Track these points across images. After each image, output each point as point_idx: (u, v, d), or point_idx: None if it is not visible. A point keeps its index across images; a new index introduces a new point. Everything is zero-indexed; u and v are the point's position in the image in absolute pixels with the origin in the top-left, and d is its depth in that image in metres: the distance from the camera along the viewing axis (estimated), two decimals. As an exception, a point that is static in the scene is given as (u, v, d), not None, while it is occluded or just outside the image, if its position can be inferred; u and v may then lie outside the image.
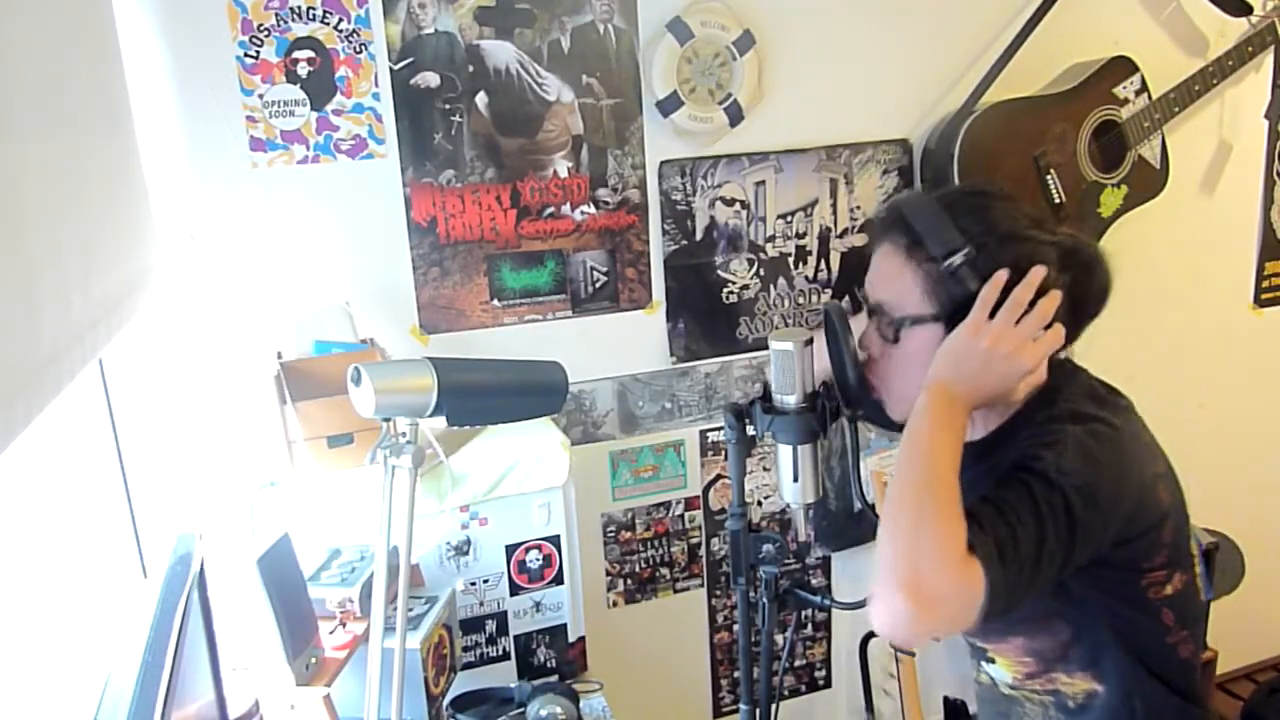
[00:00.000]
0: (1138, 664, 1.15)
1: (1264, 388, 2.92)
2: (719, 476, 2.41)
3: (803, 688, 2.64)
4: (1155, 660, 1.16)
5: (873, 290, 1.21)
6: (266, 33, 1.84)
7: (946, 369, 1.11)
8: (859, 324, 1.24)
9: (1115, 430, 1.12)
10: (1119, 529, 1.09)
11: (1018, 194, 1.23)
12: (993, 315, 1.09)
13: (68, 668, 1.29)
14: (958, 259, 1.10)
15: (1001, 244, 1.11)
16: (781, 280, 2.35)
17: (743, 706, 1.34)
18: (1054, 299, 1.10)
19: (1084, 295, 1.16)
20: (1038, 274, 1.09)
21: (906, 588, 0.95)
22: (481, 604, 1.91)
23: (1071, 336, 1.18)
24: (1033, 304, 1.09)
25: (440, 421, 1.36)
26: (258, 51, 1.85)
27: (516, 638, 1.95)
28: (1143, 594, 1.14)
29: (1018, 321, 1.09)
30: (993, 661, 1.27)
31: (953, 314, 1.12)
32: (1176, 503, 1.17)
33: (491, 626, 1.93)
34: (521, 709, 1.79)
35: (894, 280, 1.17)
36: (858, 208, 2.37)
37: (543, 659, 1.97)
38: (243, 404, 1.86)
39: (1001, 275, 1.09)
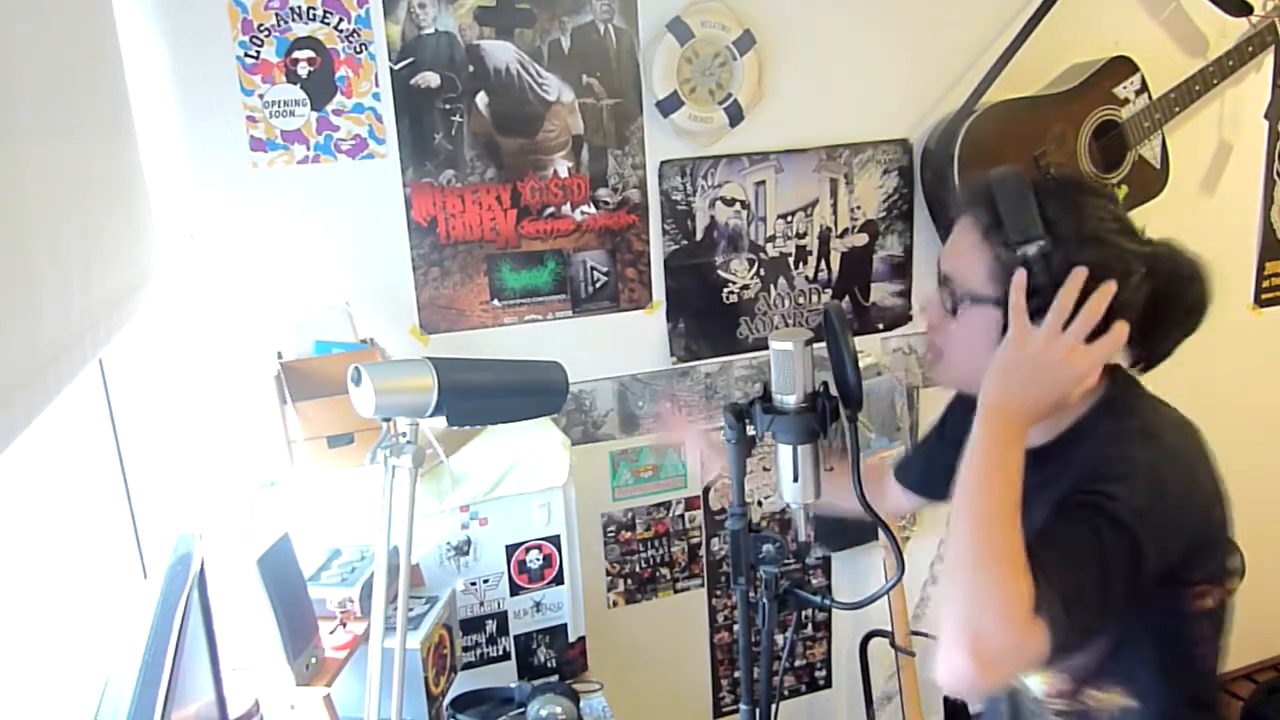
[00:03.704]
0: (1168, 675, 1.14)
1: (1264, 388, 2.93)
2: (719, 476, 2.41)
3: (803, 688, 2.64)
4: (1181, 670, 1.14)
5: (945, 259, 1.19)
6: (267, 33, 1.84)
7: (998, 387, 1.08)
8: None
9: (1183, 452, 1.11)
10: (1181, 549, 1.08)
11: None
12: (1035, 321, 1.06)
13: (68, 668, 1.29)
14: (1031, 249, 1.07)
15: (1082, 244, 1.07)
16: (781, 280, 2.35)
17: (743, 706, 1.34)
18: (1103, 297, 1.05)
19: (1171, 308, 1.13)
20: (1079, 276, 1.05)
21: (971, 650, 0.95)
22: (481, 604, 1.91)
23: (1156, 350, 1.16)
24: (1078, 307, 1.05)
25: (440, 421, 1.36)
26: (258, 51, 1.85)
27: (516, 638, 1.95)
28: (1186, 605, 1.12)
29: (1065, 326, 1.06)
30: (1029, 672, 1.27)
31: None
32: (1226, 521, 1.15)
33: (491, 626, 1.93)
34: (521, 709, 1.79)
35: (965, 255, 1.15)
36: (858, 208, 2.37)
37: (543, 659, 1.97)
38: (243, 404, 1.86)
39: (1021, 279, 1.07)
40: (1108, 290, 1.06)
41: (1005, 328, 1.09)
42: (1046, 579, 0.97)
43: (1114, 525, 1.01)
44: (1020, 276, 1.07)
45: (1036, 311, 1.07)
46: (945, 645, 0.96)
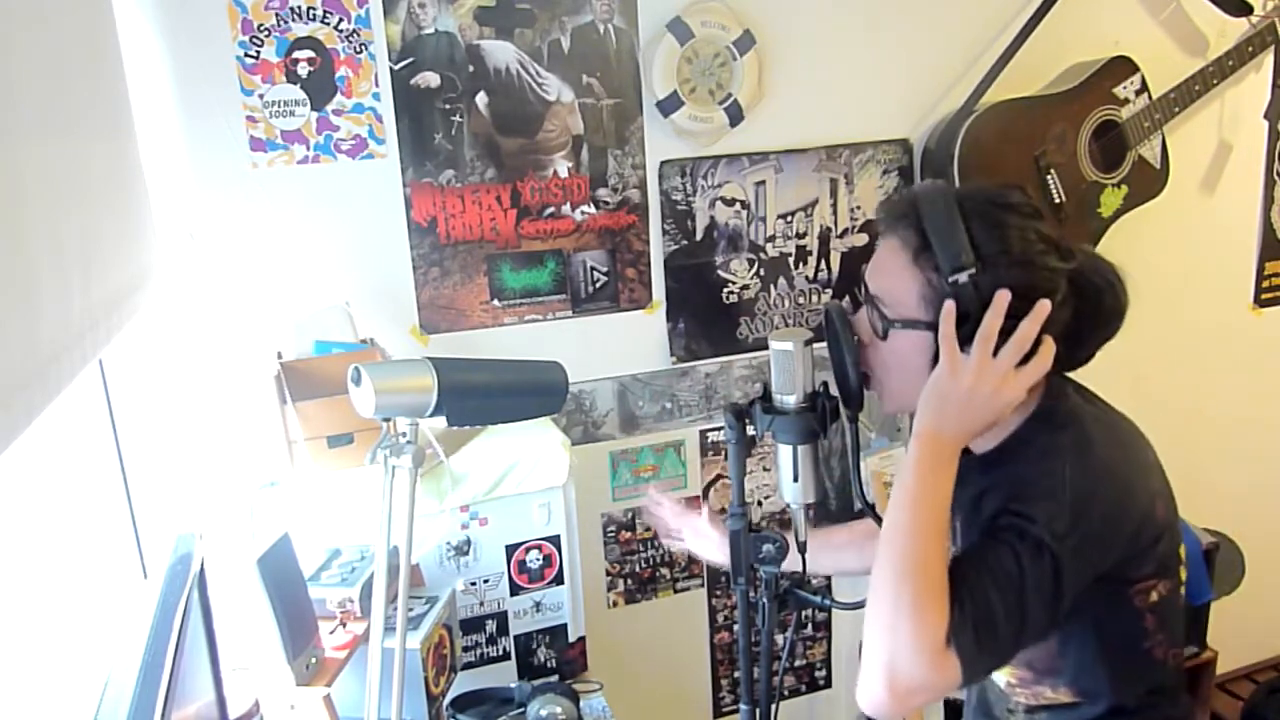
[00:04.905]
0: (1117, 672, 1.14)
1: (1264, 388, 2.92)
2: (719, 476, 2.41)
3: (803, 688, 2.64)
4: (1132, 665, 1.15)
5: (873, 279, 1.16)
6: (267, 33, 1.84)
7: (932, 415, 1.08)
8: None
9: (1116, 459, 1.11)
10: (1116, 556, 1.08)
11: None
12: (965, 349, 1.05)
13: (68, 668, 1.29)
14: (963, 277, 1.05)
15: (1010, 266, 1.06)
16: (781, 280, 2.35)
17: (743, 706, 1.33)
18: (1033, 323, 1.05)
19: (1093, 318, 1.13)
20: (1002, 302, 1.04)
21: (884, 680, 0.98)
22: (481, 604, 1.91)
23: (1081, 359, 1.16)
24: (1007, 332, 1.05)
25: (440, 421, 1.36)
26: (258, 51, 1.85)
27: (516, 638, 1.95)
28: (1129, 602, 1.13)
29: (996, 352, 1.05)
30: None
31: None
32: (1171, 515, 1.15)
33: (491, 626, 1.93)
34: (521, 709, 1.79)
35: (894, 278, 1.13)
36: (858, 208, 2.37)
37: (543, 659, 1.97)
38: (243, 404, 1.86)
39: (950, 309, 1.05)
40: (1039, 315, 1.05)
41: (938, 353, 1.08)
42: (962, 608, 1.00)
43: (1035, 549, 1.02)
44: (949, 307, 1.05)
45: (967, 338, 1.06)
46: (864, 671, 1.00)
